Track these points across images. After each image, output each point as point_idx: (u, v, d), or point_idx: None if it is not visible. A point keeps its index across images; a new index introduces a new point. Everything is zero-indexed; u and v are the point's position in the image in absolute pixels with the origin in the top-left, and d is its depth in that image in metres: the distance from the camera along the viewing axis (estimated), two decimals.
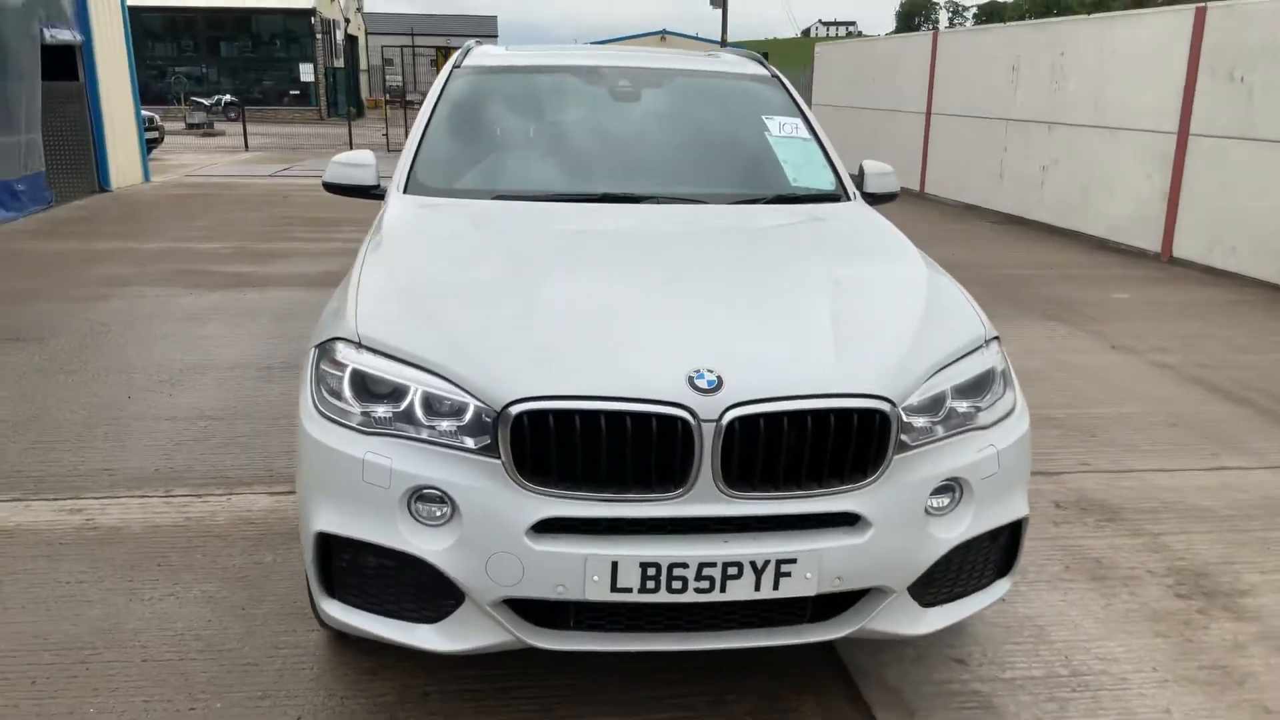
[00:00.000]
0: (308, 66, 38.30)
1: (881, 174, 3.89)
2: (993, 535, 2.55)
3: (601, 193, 3.40)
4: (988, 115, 13.63)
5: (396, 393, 2.34)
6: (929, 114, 15.51)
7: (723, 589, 2.26)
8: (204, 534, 3.62)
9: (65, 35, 12.55)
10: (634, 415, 2.18)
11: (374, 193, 3.63)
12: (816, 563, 2.28)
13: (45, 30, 11.97)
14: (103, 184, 13.69)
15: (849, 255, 3.03)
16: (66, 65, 13.02)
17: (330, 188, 3.68)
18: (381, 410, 2.34)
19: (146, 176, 15.32)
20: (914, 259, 3.02)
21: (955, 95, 14.61)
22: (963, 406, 2.51)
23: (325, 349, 2.50)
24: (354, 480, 2.30)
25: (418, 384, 2.32)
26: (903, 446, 2.34)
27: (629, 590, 2.24)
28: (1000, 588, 2.66)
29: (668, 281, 2.71)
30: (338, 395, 2.40)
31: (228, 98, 36.12)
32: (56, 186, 12.49)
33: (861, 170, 3.92)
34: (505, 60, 4.08)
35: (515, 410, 2.19)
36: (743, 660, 2.87)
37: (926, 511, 2.40)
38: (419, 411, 2.31)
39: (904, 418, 2.34)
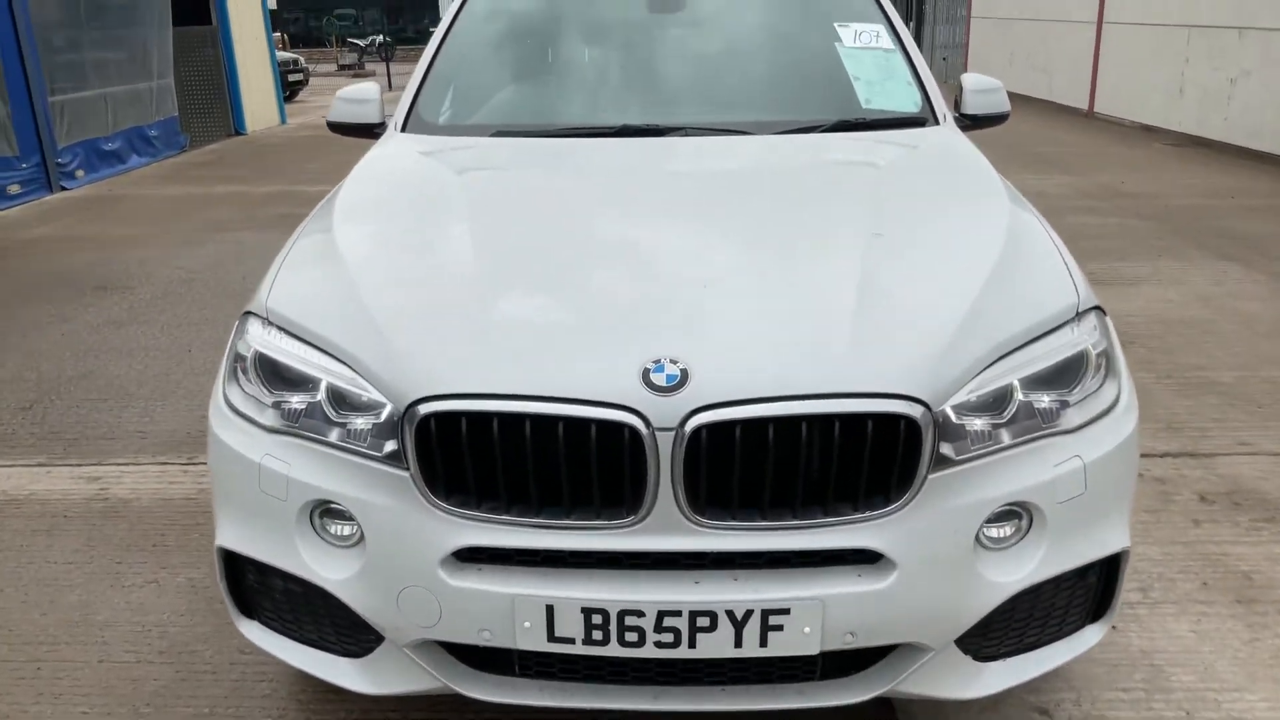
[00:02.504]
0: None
1: (983, 90, 3.16)
2: (1080, 573, 1.92)
3: (620, 124, 2.84)
4: (1165, 22, 12.02)
5: (306, 383, 1.91)
6: (1100, 22, 13.89)
7: (691, 644, 1.74)
8: (209, 509, 3.34)
9: None
10: (568, 420, 1.67)
11: (378, 132, 3.19)
12: (818, 614, 1.72)
13: None
14: (238, 127, 13.94)
15: (908, 199, 2.36)
16: (199, 9, 13.20)
17: (335, 127, 3.26)
18: (296, 401, 1.90)
19: (283, 119, 15.54)
20: (996, 202, 2.33)
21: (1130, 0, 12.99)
22: (1043, 402, 1.86)
23: (239, 326, 2.09)
24: (251, 488, 1.90)
25: (324, 373, 1.88)
26: (943, 461, 1.74)
27: (571, 641, 1.75)
28: (1090, 636, 2.02)
29: (655, 244, 2.15)
30: (244, 383, 1.99)
31: (380, 38, 36.68)
32: (191, 131, 12.76)
33: (960, 86, 3.20)
34: None
35: (423, 410, 1.72)
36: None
37: (981, 545, 1.80)
38: (328, 407, 1.87)
39: (951, 419, 1.74)
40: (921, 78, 3.09)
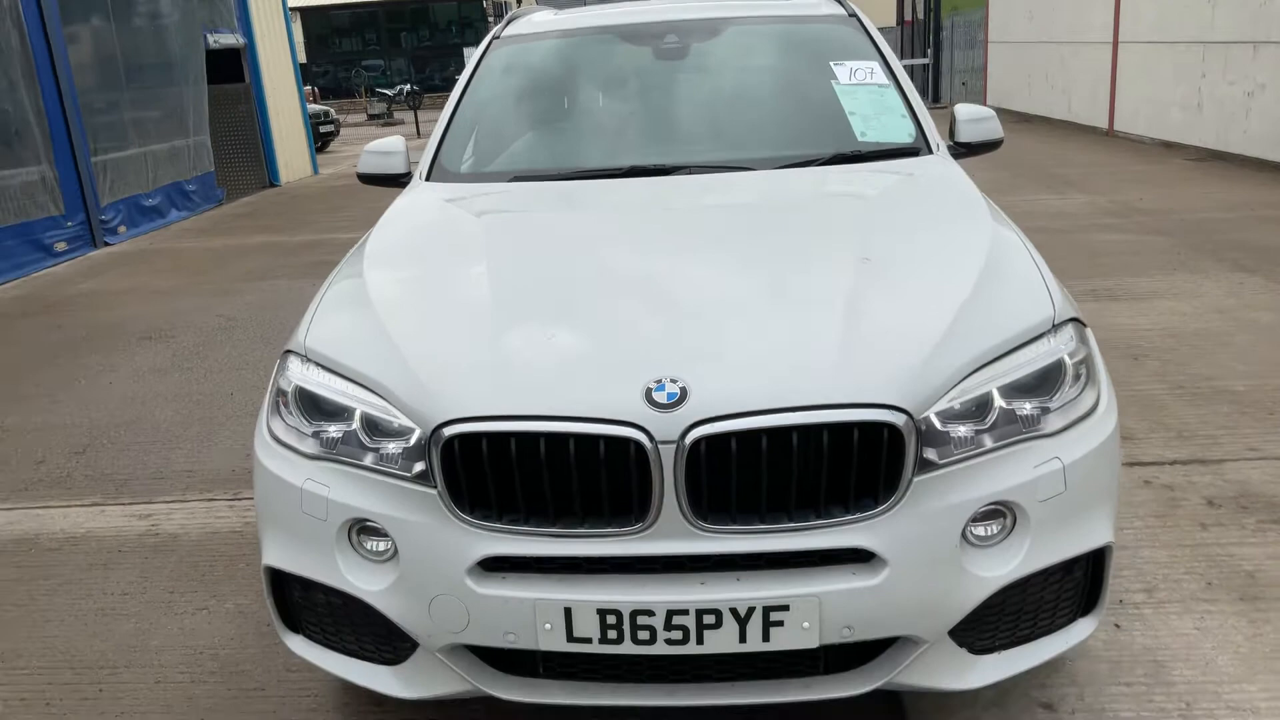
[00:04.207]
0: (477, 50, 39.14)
1: (975, 119, 3.31)
2: (1065, 567, 2.04)
3: (629, 166, 3.03)
4: (1180, 39, 12.11)
5: (342, 413, 2.09)
6: (1115, 42, 13.99)
7: (699, 640, 1.89)
8: (255, 541, 3.53)
9: (229, 39, 13.18)
10: (578, 437, 1.84)
11: (404, 181, 3.40)
12: (815, 610, 1.86)
13: (209, 35, 12.60)
14: (272, 179, 14.37)
15: (896, 224, 2.52)
16: (233, 68, 13.69)
17: (364, 178, 3.48)
18: (333, 430, 2.09)
19: (315, 169, 15.99)
20: (979, 224, 2.48)
21: (1145, 18, 13.08)
22: (1025, 408, 2.00)
23: (280, 364, 2.28)
24: (294, 510, 2.08)
25: (359, 403, 2.06)
26: (928, 465, 1.88)
27: (588, 640, 1.90)
28: (1082, 629, 2.14)
29: (656, 274, 2.32)
30: (286, 415, 2.18)
31: (408, 87, 37.48)
32: (227, 184, 13.18)
33: (954, 116, 3.35)
34: (545, 26, 3.75)
35: (447, 433, 1.89)
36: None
37: (968, 542, 1.94)
38: (362, 434, 2.04)
39: (934, 426, 1.89)
40: (915, 110, 3.25)
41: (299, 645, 2.23)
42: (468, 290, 2.29)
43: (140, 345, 6.30)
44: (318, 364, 2.17)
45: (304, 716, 2.57)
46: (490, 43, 3.71)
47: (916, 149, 3.12)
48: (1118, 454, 2.12)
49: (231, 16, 13.34)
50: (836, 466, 1.84)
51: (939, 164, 3.00)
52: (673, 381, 1.86)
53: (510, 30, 3.78)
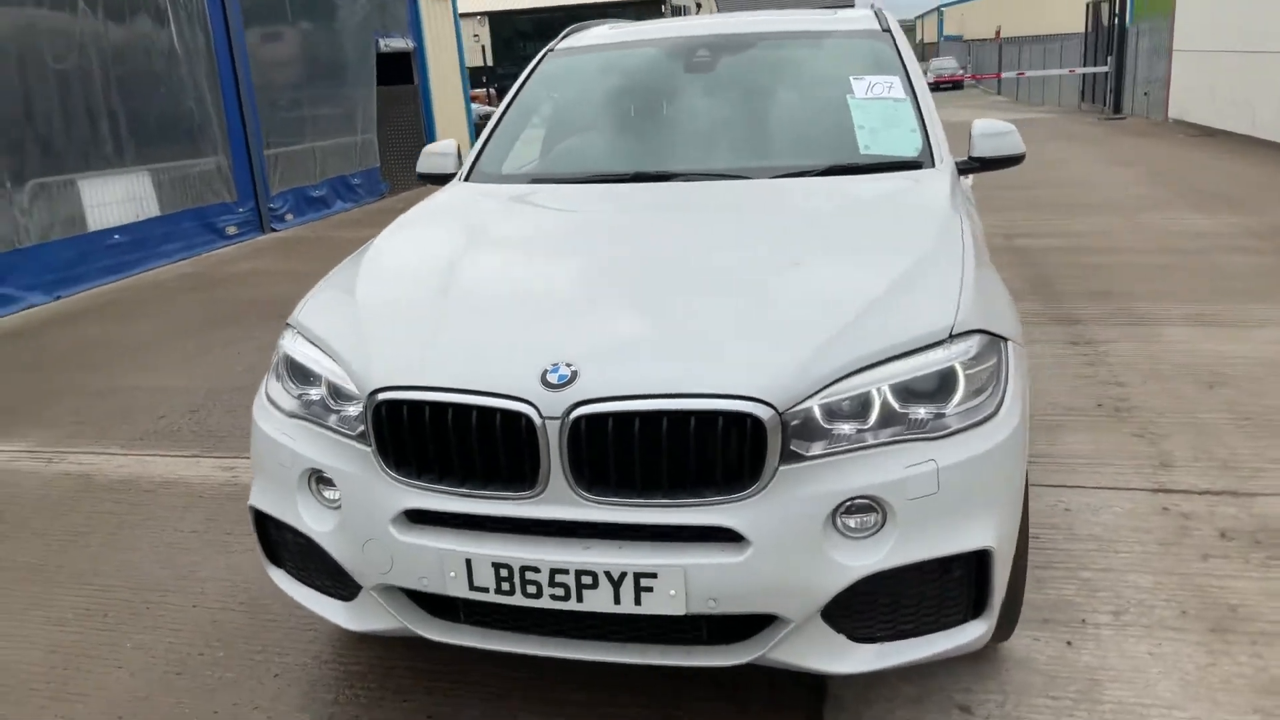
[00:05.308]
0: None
1: (993, 134, 3.34)
2: (942, 566, 2.14)
3: (633, 172, 3.25)
4: None
5: (316, 379, 2.42)
6: None
7: (579, 598, 2.10)
8: None
9: (399, 43, 14.14)
10: (480, 409, 2.09)
11: (450, 180, 3.74)
12: (681, 579, 2.04)
13: (380, 40, 13.57)
14: None
15: (844, 232, 2.64)
16: (404, 70, 14.66)
17: (423, 177, 3.85)
18: (312, 394, 2.43)
19: None
20: (921, 237, 2.56)
21: None
22: (917, 412, 2.12)
23: (281, 335, 2.64)
24: (271, 460, 2.43)
25: (326, 371, 2.39)
26: (794, 456, 2.03)
27: (486, 590, 2.15)
28: (971, 631, 2.21)
29: (595, 269, 2.54)
30: (277, 379, 2.54)
31: None
32: (392, 179, 14.14)
33: (970, 131, 3.40)
34: (596, 40, 4.01)
35: (379, 399, 2.18)
36: (708, 683, 2.65)
37: (838, 531, 2.07)
38: (329, 398, 2.37)
39: (809, 420, 2.04)
40: (926, 124, 3.31)
41: (279, 578, 2.59)
42: (434, 277, 2.58)
43: (273, 321, 6.98)
44: (303, 336, 2.52)
45: (303, 646, 2.94)
46: (544, 55, 4.01)
47: (919, 162, 3.20)
48: (1013, 464, 2.19)
49: (403, 22, 14.30)
50: (705, 451, 2.02)
51: (931, 177, 3.06)
52: (567, 365, 2.08)
53: (564, 44, 4.07)
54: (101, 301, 8.17)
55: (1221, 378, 4.77)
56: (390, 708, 2.64)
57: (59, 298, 8.19)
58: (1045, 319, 6.00)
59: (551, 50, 4.04)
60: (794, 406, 2.03)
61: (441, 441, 2.14)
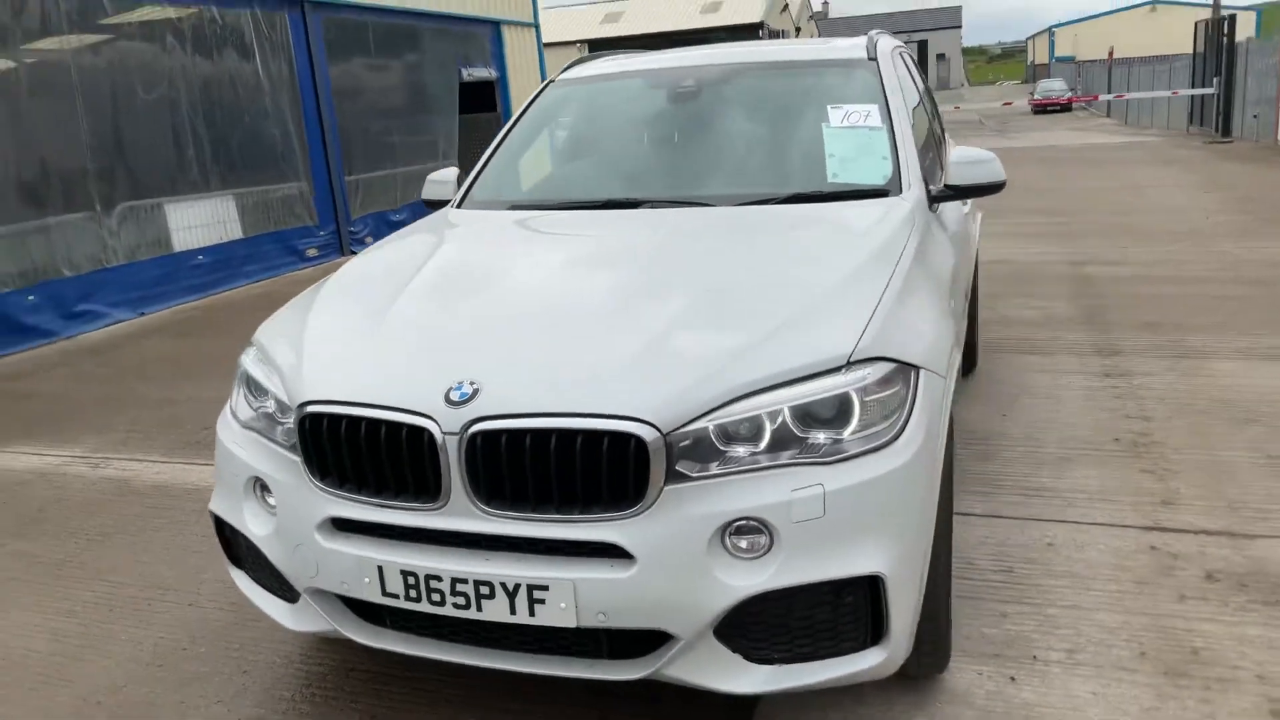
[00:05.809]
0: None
1: (970, 162, 3.32)
2: (834, 590, 2.16)
3: (605, 199, 3.35)
4: None
5: (266, 394, 2.59)
6: None
7: (479, 608, 2.20)
8: None
9: (482, 73, 14.60)
10: (388, 424, 2.21)
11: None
12: (571, 593, 2.12)
13: (464, 70, 14.04)
14: None
15: (779, 259, 2.68)
16: (487, 99, 15.12)
17: (427, 203, 4.03)
18: (264, 407, 2.60)
19: None
20: (846, 265, 2.58)
21: None
22: (815, 436, 2.16)
23: (245, 349, 2.83)
24: (227, 468, 2.60)
25: (272, 386, 2.55)
26: (681, 476, 2.09)
27: (396, 596, 2.27)
28: (869, 658, 2.22)
29: (525, 293, 2.64)
30: (240, 393, 2.72)
31: None
32: None
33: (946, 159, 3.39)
34: (596, 70, 4.13)
35: (305, 411, 2.33)
36: (646, 697, 2.70)
37: (727, 551, 2.12)
38: (276, 413, 2.54)
39: (696, 441, 2.10)
40: (899, 153, 3.31)
41: (239, 578, 2.76)
42: (381, 299, 2.72)
43: None
44: (259, 352, 2.69)
45: (275, 647, 3.11)
46: (547, 85, 4.16)
47: (887, 190, 3.21)
48: (911, 491, 2.19)
49: (487, 52, 14.77)
50: (593, 469, 2.09)
51: (894, 205, 3.07)
52: (471, 384, 2.19)
53: (567, 74, 4.20)
54: (180, 318, 8.68)
55: (1256, 415, 4.58)
56: (339, 707, 2.78)
57: (143, 314, 8.73)
58: (1087, 349, 5.84)
59: (553, 81, 4.18)
60: (680, 428, 2.09)
61: (358, 453, 2.27)
